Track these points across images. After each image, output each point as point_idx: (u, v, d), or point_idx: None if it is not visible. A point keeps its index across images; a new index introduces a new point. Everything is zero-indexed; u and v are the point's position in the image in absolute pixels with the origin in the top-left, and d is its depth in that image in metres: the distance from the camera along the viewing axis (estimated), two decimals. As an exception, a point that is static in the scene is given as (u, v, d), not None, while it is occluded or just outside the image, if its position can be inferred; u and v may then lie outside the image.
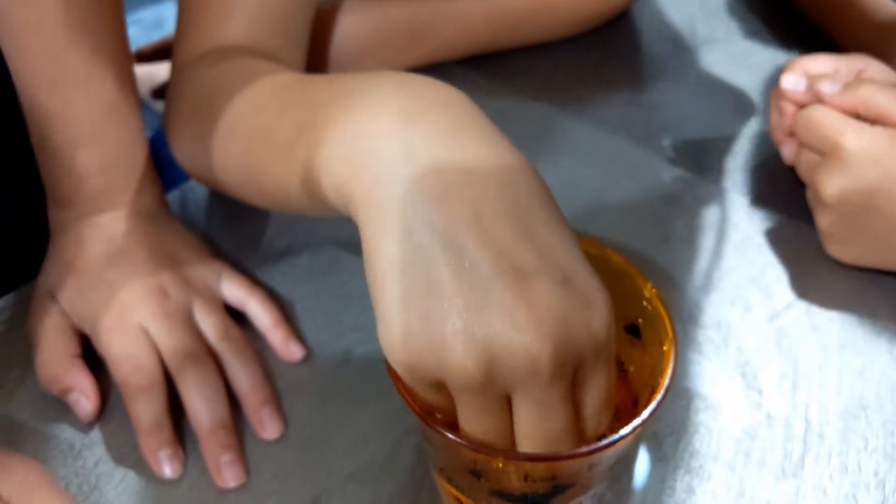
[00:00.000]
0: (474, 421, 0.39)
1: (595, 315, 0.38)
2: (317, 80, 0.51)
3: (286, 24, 0.63)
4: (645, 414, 0.39)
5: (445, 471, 0.45)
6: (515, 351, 0.36)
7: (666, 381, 0.41)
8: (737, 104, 0.78)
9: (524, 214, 0.39)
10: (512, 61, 0.83)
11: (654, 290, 0.45)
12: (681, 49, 0.86)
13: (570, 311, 0.37)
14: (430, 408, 0.40)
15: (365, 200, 0.40)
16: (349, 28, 0.78)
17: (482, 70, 0.82)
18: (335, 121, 0.44)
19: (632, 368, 0.46)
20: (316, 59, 0.76)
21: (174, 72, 0.63)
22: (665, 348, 0.43)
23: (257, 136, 0.51)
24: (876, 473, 0.51)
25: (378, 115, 0.42)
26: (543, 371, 0.36)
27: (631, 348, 0.46)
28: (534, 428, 0.38)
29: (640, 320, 0.46)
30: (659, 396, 0.40)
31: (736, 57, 0.85)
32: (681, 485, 0.51)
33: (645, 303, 0.45)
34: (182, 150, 0.61)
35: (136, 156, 0.61)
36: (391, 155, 0.40)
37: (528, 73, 0.82)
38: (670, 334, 0.43)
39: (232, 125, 0.54)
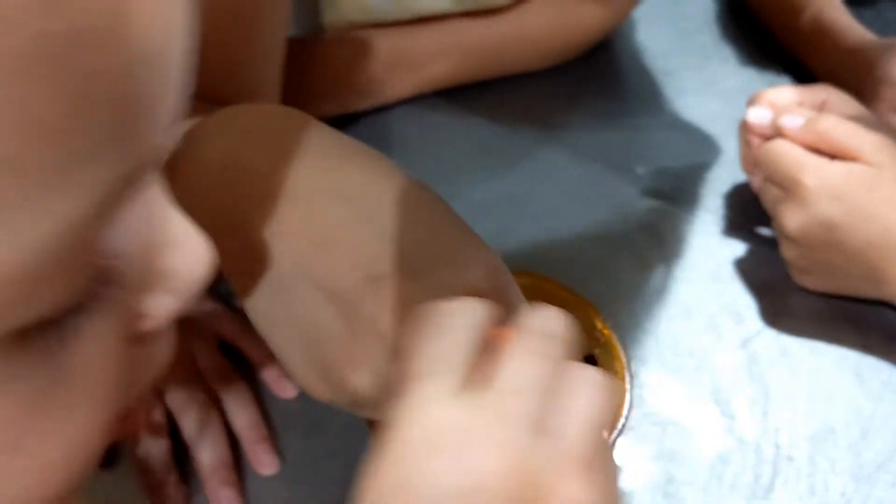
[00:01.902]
0: None
1: (472, 273, 0.40)
2: None
3: (251, 71, 0.67)
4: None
5: None
6: (399, 356, 0.38)
7: (625, 410, 0.44)
8: (708, 131, 0.81)
9: (380, 222, 0.40)
10: (492, 92, 0.85)
11: (603, 322, 0.48)
12: (654, 76, 0.89)
13: (436, 291, 0.38)
14: None
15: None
16: (333, 59, 0.81)
17: (464, 102, 0.85)
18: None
19: None
20: (300, 90, 0.79)
21: None
22: (620, 377, 0.46)
23: None
24: (843, 494, 0.54)
25: (229, 150, 0.43)
26: None
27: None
28: None
29: (596, 351, 0.49)
30: (619, 425, 0.43)
31: (707, 83, 0.87)
32: (657, 510, 0.54)
33: (597, 334, 0.48)
34: None
35: None
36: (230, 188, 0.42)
37: (509, 103, 0.85)
38: (623, 362, 0.46)
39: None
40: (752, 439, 0.57)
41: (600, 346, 0.49)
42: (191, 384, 0.58)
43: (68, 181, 0.20)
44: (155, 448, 0.56)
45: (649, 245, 0.70)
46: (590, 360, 0.50)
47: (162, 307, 0.27)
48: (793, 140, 0.62)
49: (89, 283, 0.23)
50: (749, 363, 0.61)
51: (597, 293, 0.66)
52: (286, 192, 0.40)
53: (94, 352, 0.24)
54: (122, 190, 0.22)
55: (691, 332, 0.63)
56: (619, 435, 0.43)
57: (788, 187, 0.61)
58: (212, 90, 0.65)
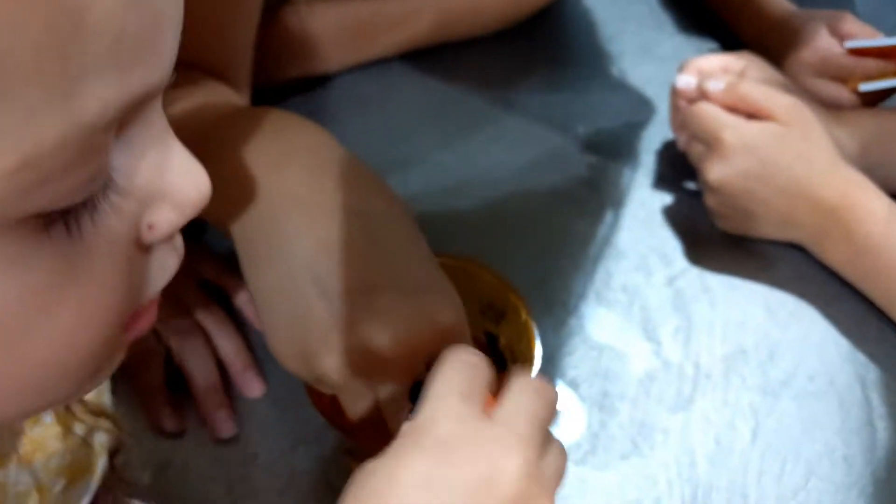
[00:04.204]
0: (351, 407, 0.50)
1: (444, 312, 0.48)
2: (223, 119, 0.59)
3: (229, 38, 0.72)
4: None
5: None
6: (370, 355, 0.46)
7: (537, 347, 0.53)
8: (643, 93, 0.90)
9: (381, 241, 0.49)
10: (447, 57, 0.93)
11: (505, 283, 0.57)
12: (596, 42, 0.97)
13: (416, 314, 0.47)
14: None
15: (238, 232, 0.51)
16: (297, 27, 0.86)
17: (420, 65, 0.92)
18: (217, 164, 0.53)
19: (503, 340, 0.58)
20: (271, 52, 0.83)
21: None
22: (523, 319, 0.55)
23: None
24: (751, 405, 0.63)
25: (254, 161, 0.52)
26: (395, 368, 0.47)
27: (496, 325, 0.59)
28: (396, 415, 0.49)
29: (500, 305, 0.58)
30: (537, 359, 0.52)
31: (644, 48, 0.96)
32: (594, 420, 0.62)
33: (503, 293, 0.57)
34: None
35: None
36: (263, 195, 0.50)
37: (462, 68, 0.92)
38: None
39: None
40: (676, 361, 0.66)
41: (506, 304, 0.58)
42: (178, 314, 0.64)
43: (78, 91, 0.26)
44: (150, 373, 0.63)
45: (588, 196, 0.79)
46: (490, 338, 0.59)
47: (165, 220, 0.33)
48: (715, 102, 0.71)
49: (98, 184, 0.29)
50: (674, 297, 0.70)
51: (541, 239, 0.74)
52: (310, 201, 0.49)
53: (105, 242, 0.30)
54: (126, 109, 0.28)
55: (624, 271, 0.72)
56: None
57: (710, 143, 0.70)
58: (195, 59, 0.71)
